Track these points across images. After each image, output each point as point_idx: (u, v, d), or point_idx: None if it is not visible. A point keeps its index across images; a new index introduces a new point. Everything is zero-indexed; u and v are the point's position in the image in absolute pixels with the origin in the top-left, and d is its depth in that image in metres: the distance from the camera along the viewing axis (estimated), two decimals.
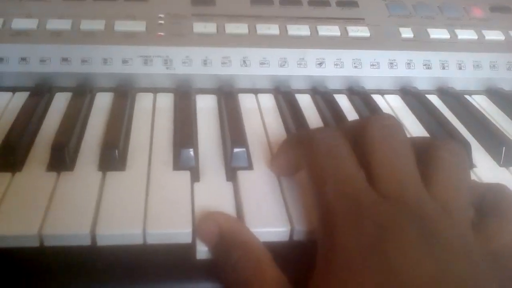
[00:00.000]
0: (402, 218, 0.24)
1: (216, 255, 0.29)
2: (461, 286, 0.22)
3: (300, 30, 0.50)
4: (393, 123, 0.30)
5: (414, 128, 0.44)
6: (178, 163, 0.35)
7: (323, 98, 0.47)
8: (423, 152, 0.29)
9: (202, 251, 0.29)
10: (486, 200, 0.29)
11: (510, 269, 0.26)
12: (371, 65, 0.49)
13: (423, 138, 0.34)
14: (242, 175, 0.34)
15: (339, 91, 0.49)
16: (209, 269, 0.29)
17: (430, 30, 0.53)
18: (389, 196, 0.26)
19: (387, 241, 0.23)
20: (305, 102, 0.47)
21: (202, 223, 0.30)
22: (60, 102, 0.43)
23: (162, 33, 0.48)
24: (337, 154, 0.28)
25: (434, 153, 0.29)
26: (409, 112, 0.47)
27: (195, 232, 0.30)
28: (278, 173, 0.35)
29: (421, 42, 0.52)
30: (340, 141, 0.29)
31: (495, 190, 0.31)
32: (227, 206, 0.32)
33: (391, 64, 0.50)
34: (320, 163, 0.28)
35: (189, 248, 0.29)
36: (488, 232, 0.27)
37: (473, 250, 0.25)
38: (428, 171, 0.28)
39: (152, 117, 0.42)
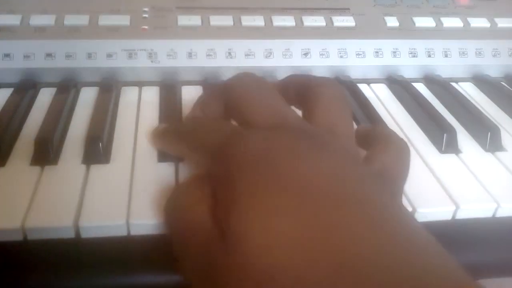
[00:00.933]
0: (287, 133, 0.25)
1: None
2: (353, 189, 0.23)
3: (285, 21, 0.50)
4: (250, 74, 0.31)
5: (400, 116, 0.45)
6: (163, 155, 0.35)
7: None
8: (303, 91, 0.31)
9: None
10: (369, 135, 0.32)
11: (390, 187, 0.28)
12: (356, 55, 0.49)
13: (301, 78, 0.35)
14: None
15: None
16: None
17: (415, 19, 0.53)
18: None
19: (275, 150, 0.24)
20: None
21: None
22: (44, 98, 0.43)
23: (146, 27, 0.47)
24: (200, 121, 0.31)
25: (313, 89, 0.30)
26: (396, 100, 0.47)
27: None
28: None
29: (407, 31, 0.52)
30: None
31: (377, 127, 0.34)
32: None
33: (377, 53, 0.50)
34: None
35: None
36: (370, 155, 0.29)
37: (359, 163, 0.27)
38: (308, 106, 0.30)
39: (137, 110, 0.42)
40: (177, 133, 0.32)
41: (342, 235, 0.20)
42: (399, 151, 0.30)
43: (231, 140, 0.25)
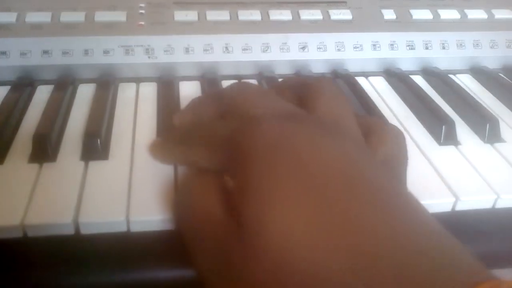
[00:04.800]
0: (302, 121, 0.26)
1: None
2: (370, 177, 0.23)
3: (282, 15, 0.50)
4: (246, 82, 0.32)
5: (399, 109, 0.44)
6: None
7: None
8: (302, 90, 0.31)
9: None
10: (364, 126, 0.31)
11: (395, 172, 0.29)
12: (354, 48, 0.49)
13: (296, 79, 0.35)
14: None
15: (323, 75, 0.49)
16: None
17: (412, 11, 0.53)
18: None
19: (294, 136, 0.24)
20: None
21: None
22: (42, 95, 0.43)
23: (143, 23, 0.47)
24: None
25: (312, 87, 0.31)
26: (394, 93, 0.47)
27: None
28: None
29: (404, 23, 0.52)
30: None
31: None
32: None
33: (374, 46, 0.50)
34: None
35: (173, 235, 0.29)
36: (372, 145, 0.29)
37: (370, 152, 0.27)
38: (310, 103, 0.29)
39: (135, 106, 0.42)
40: (178, 137, 0.31)
41: (360, 225, 0.20)
42: (395, 139, 0.31)
43: (246, 126, 0.25)
